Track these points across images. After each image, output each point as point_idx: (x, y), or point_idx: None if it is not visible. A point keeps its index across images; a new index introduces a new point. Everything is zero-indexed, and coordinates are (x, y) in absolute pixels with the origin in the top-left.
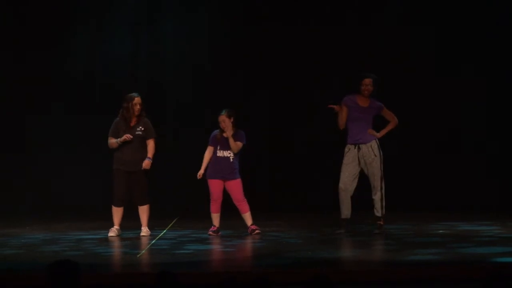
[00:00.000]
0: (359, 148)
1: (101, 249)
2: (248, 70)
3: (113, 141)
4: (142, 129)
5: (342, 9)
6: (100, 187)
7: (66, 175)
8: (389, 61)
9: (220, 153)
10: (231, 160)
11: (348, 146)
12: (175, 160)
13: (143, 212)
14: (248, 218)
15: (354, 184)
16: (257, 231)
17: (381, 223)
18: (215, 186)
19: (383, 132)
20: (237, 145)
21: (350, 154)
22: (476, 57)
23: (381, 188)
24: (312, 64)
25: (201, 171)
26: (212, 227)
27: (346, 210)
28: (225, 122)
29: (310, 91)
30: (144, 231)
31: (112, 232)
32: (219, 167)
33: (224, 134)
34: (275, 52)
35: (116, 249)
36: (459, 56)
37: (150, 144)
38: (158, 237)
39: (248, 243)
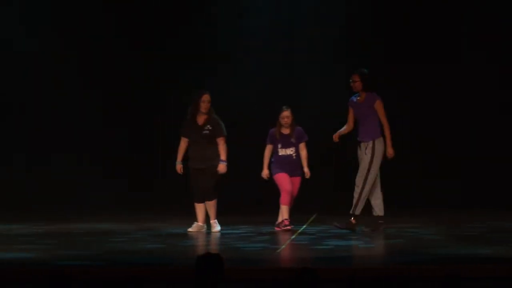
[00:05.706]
0: (360, 146)
1: (240, 244)
2: None
3: (178, 156)
4: (210, 128)
5: None
6: None
7: None
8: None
9: (282, 152)
10: (294, 157)
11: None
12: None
13: (209, 207)
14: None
15: (377, 181)
16: (285, 227)
17: (353, 221)
18: (284, 178)
19: (388, 142)
20: None
21: (358, 153)
22: None
23: (362, 188)
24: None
25: (266, 171)
26: (285, 220)
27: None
28: (289, 118)
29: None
30: (196, 226)
31: (192, 228)
32: (283, 165)
33: (285, 131)
34: None
35: (255, 244)
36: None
37: (221, 144)
38: (297, 233)
39: (387, 239)
